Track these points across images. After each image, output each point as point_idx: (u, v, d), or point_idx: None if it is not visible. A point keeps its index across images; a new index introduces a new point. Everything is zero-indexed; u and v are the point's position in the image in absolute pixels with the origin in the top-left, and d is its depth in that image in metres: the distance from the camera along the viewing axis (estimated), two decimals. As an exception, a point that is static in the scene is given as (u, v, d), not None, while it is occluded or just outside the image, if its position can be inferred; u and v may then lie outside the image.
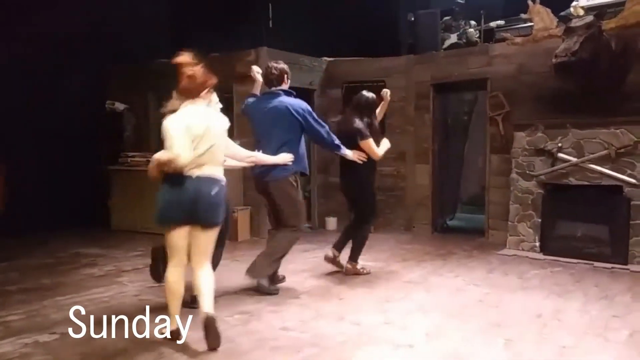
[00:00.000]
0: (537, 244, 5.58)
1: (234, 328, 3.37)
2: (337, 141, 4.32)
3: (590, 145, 5.26)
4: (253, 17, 7.16)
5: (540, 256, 5.44)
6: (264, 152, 4.01)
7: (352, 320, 3.52)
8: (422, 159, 6.96)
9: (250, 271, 4.15)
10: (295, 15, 7.27)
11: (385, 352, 3.00)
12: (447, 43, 6.99)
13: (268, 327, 3.39)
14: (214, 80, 3.18)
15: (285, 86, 4.27)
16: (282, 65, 4.29)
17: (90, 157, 7.40)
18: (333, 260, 4.81)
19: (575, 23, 5.10)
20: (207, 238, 3.15)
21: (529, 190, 5.65)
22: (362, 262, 5.12)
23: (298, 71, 7.09)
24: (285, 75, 4.27)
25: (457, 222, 7.65)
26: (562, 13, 5.68)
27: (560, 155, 5.41)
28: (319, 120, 4.24)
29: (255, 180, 4.23)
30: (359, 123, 4.53)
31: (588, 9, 5.49)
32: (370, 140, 4.52)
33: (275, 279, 4.35)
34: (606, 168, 5.17)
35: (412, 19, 7.23)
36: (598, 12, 5.23)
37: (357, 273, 4.79)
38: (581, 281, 4.49)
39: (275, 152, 4.03)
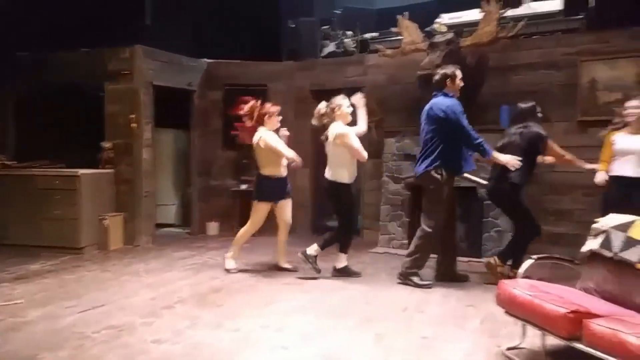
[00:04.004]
0: (406, 241, 5.94)
1: (101, 344, 3.16)
2: (481, 143, 4.33)
3: (451, 150, 5.77)
4: (128, 13, 6.77)
5: (409, 253, 5.84)
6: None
7: (229, 326, 3.49)
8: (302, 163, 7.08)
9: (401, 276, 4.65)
10: (173, 13, 7.02)
11: (260, 356, 3.02)
12: (325, 51, 7.23)
13: (139, 340, 3.24)
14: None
15: (448, 89, 4.50)
16: (445, 70, 4.54)
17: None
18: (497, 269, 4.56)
19: (438, 39, 5.56)
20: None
21: (398, 192, 6.05)
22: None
23: (176, 71, 6.87)
24: (448, 80, 4.49)
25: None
26: (428, 29, 6.12)
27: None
28: (463, 122, 4.34)
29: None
30: (534, 128, 4.53)
31: (449, 27, 6.01)
32: (550, 142, 4.58)
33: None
34: (464, 171, 5.71)
35: (293, 25, 7.37)
36: (457, 30, 5.76)
37: (503, 277, 4.19)
38: (443, 275, 4.88)
39: (421, 149, 4.55)
